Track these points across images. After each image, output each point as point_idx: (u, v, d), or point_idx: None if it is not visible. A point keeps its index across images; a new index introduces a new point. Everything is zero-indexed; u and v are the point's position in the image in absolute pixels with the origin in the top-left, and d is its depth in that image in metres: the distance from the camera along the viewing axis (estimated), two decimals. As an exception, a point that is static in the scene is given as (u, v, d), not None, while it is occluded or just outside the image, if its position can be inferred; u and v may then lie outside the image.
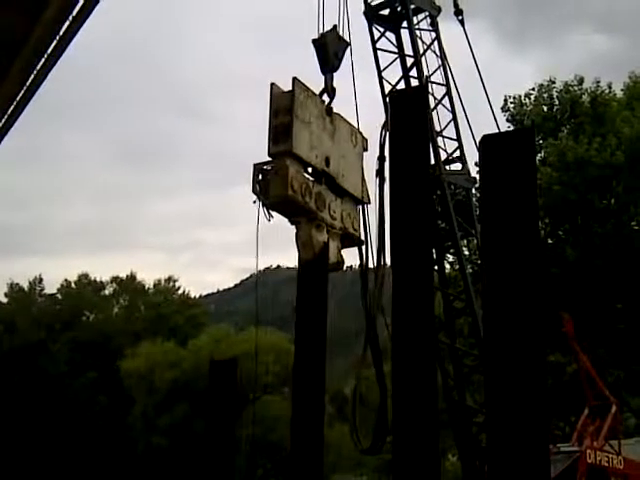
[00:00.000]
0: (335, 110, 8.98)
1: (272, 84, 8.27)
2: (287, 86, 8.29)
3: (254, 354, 15.95)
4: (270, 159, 8.16)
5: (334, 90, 9.05)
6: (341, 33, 9.59)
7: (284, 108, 8.15)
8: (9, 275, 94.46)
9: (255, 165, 8.18)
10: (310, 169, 8.45)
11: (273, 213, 8.22)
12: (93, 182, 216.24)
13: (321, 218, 8.39)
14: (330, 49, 9.19)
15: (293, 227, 8.42)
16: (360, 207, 9.07)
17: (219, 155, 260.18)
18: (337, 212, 8.67)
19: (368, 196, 9.00)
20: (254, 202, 8.10)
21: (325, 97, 8.98)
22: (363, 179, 9.09)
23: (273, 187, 8.02)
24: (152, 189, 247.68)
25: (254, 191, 8.10)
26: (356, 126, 9.31)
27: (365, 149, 9.27)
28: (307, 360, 8.01)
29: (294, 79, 8.26)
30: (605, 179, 29.15)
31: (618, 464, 18.16)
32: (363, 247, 8.89)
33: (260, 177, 8.11)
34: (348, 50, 9.55)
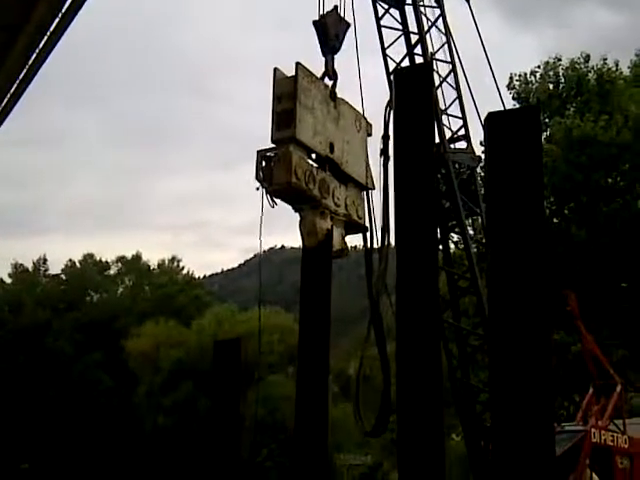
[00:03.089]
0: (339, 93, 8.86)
1: (275, 69, 8.11)
2: (293, 69, 8.13)
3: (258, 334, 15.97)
4: (273, 145, 8.07)
5: (335, 72, 8.92)
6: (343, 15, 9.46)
7: (287, 94, 8.02)
8: (13, 255, 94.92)
9: (258, 152, 8.06)
10: (314, 155, 8.34)
11: (276, 200, 8.14)
12: (97, 161, 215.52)
13: (325, 205, 8.29)
14: (331, 30, 9.05)
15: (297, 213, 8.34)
16: (364, 193, 8.99)
17: (225, 135, 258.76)
18: (341, 199, 8.57)
19: (373, 182, 8.91)
20: (257, 189, 8.02)
21: (327, 80, 8.87)
22: (368, 165, 8.99)
23: (277, 174, 7.93)
24: (156, 168, 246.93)
25: (257, 178, 8.01)
26: (360, 109, 9.20)
27: (369, 134, 9.14)
28: (312, 340, 7.99)
29: (297, 64, 8.11)
30: (611, 157, 29.00)
31: (623, 443, 18.14)
32: (368, 233, 8.83)
33: (263, 164, 8.03)
34: (351, 31, 9.44)
